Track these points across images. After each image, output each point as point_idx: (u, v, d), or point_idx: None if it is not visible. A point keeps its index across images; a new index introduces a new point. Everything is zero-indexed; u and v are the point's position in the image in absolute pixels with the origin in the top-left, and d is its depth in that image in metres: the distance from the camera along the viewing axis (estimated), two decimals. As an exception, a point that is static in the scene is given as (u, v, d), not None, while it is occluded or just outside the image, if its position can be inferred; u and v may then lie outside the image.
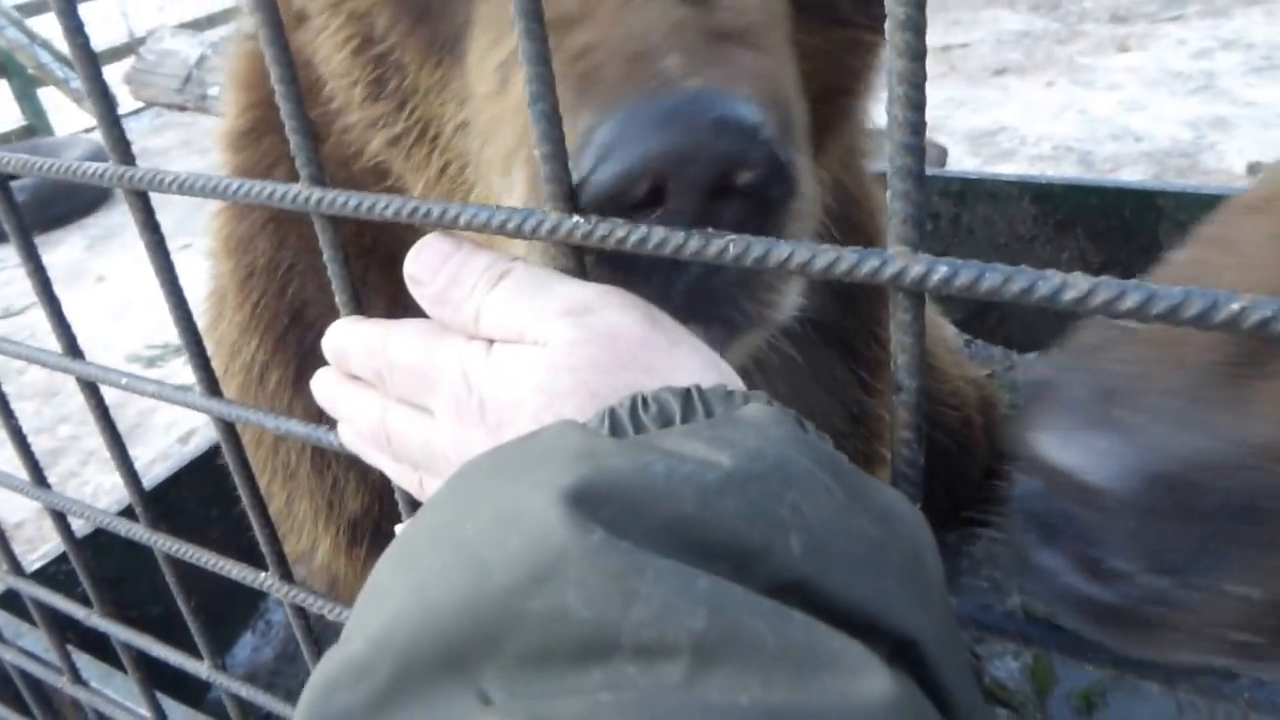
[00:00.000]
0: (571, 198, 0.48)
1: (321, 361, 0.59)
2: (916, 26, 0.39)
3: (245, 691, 0.81)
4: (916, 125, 0.41)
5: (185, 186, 0.58)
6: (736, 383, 0.49)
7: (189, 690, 1.13)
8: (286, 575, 0.72)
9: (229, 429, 0.69)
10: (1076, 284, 0.40)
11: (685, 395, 0.45)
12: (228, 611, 1.84)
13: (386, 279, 0.87)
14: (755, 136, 0.50)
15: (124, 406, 3.36)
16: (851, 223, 0.99)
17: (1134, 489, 0.40)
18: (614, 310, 0.49)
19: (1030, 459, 0.45)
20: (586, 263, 0.52)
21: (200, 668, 0.83)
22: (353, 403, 0.58)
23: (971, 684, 0.43)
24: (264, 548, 0.71)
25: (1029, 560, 0.46)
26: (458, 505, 0.43)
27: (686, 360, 0.48)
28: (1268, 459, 0.39)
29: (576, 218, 0.48)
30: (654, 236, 0.47)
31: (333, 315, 0.58)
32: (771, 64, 0.59)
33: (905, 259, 0.43)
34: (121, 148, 0.61)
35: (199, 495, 1.71)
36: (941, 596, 0.43)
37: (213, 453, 1.76)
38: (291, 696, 0.78)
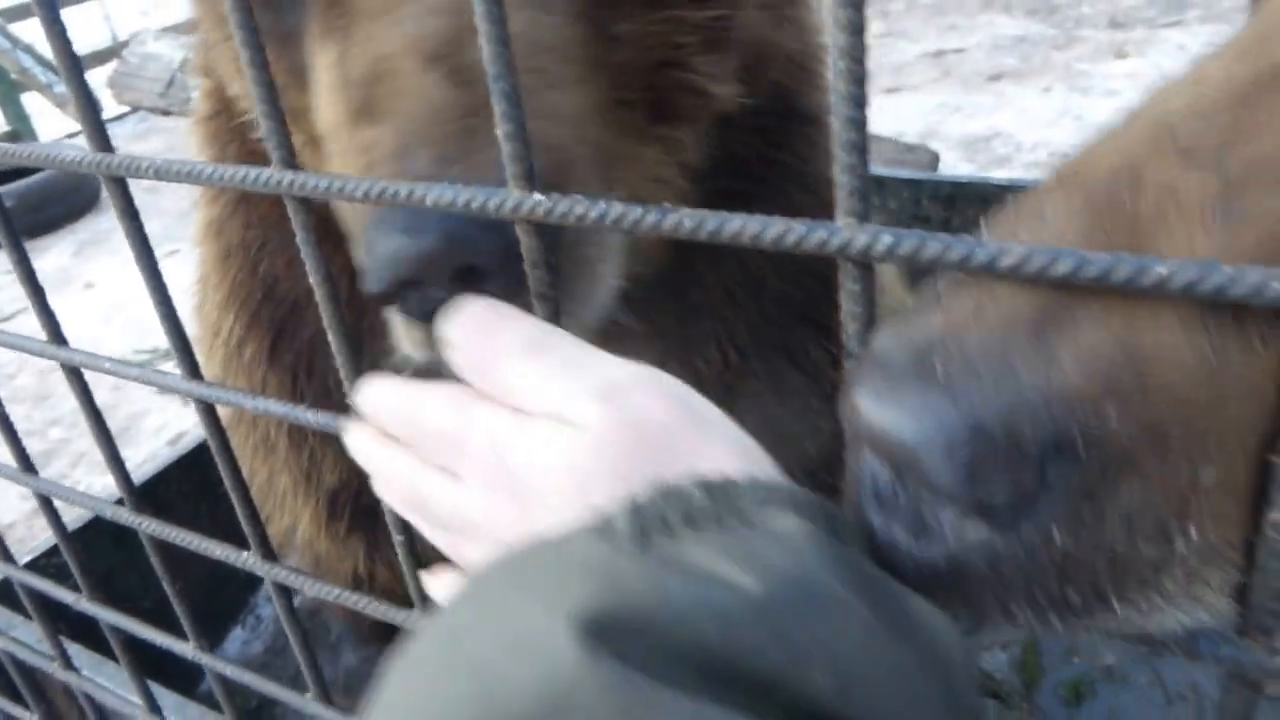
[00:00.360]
0: (531, 176, 0.50)
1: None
2: (856, 1, 0.40)
3: (231, 671, 0.83)
4: (858, 98, 0.42)
5: (161, 172, 0.60)
6: (768, 468, 0.49)
7: (180, 684, 1.15)
8: (269, 555, 0.73)
9: (210, 411, 0.70)
10: (1012, 250, 0.41)
11: (713, 491, 0.44)
12: (217, 606, 1.86)
13: (345, 252, 0.89)
14: (483, 238, 0.57)
15: (115, 409, 3.38)
16: (823, 200, 1.01)
17: (950, 441, 0.40)
18: (646, 393, 0.49)
19: (853, 423, 0.45)
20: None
21: (186, 649, 0.85)
22: (386, 463, 0.58)
23: None
24: (245, 527, 0.73)
25: (868, 529, 0.45)
26: (472, 618, 0.42)
27: (716, 447, 0.48)
28: (1072, 407, 0.40)
29: (538, 195, 0.50)
30: (612, 212, 0.48)
31: (301, 291, 0.60)
32: (535, 128, 0.65)
33: (851, 230, 0.44)
34: (100, 137, 0.62)
35: (187, 492, 1.73)
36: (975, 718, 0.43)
37: (200, 450, 1.78)
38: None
